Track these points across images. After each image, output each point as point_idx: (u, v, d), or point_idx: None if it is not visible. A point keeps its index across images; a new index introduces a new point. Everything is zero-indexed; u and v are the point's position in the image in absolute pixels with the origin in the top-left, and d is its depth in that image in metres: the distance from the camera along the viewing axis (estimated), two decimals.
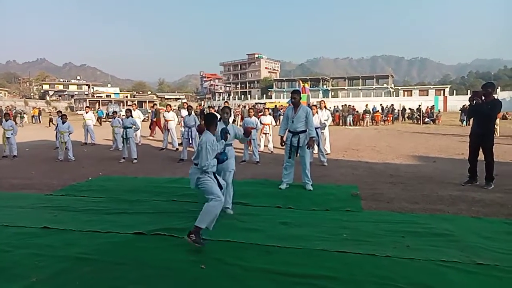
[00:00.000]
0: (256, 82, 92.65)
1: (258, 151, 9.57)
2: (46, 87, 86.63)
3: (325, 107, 10.15)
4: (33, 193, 6.28)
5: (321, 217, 4.67)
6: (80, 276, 3.12)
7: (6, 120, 11.17)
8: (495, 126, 6.30)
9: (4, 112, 20.53)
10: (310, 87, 53.29)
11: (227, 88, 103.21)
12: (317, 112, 9.06)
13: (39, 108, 43.58)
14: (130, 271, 3.22)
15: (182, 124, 10.30)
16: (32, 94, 79.71)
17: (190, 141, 9.68)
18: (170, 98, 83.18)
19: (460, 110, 26.73)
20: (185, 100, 61.39)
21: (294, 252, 3.57)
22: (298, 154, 6.23)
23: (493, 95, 6.24)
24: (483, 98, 6.12)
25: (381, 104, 31.20)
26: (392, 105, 31.80)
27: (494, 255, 3.42)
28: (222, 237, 3.90)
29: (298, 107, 6.19)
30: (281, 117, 28.98)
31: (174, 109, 15.25)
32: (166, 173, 7.96)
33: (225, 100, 49.46)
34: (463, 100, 32.48)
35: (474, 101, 6.23)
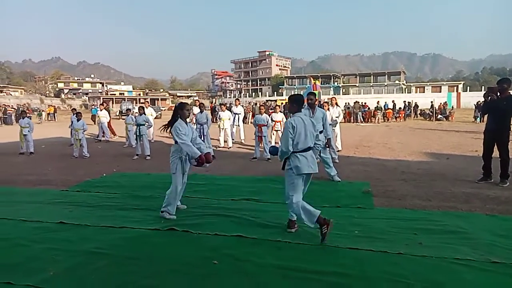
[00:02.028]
0: (267, 79, 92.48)
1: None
2: (61, 85, 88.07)
3: (336, 104, 10.09)
4: (49, 189, 6.42)
5: (332, 214, 4.63)
6: (95, 270, 3.19)
7: (23, 118, 11.42)
8: (511, 122, 6.19)
9: (21, 110, 20.93)
10: (321, 84, 52.89)
11: (238, 86, 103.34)
12: (328, 109, 9.03)
13: (55, 106, 44.38)
14: (143, 266, 3.27)
15: (194, 122, 10.37)
16: (47, 92, 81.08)
17: (202, 138, 9.73)
18: (182, 96, 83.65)
19: (474, 106, 26.23)
20: (196, 98, 61.64)
21: (306, 248, 3.59)
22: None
23: (509, 91, 6.13)
24: (498, 94, 6.02)
25: (393, 101, 30.81)
26: (409, 102, 31.37)
27: (509, 253, 3.37)
28: (234, 233, 3.93)
29: (315, 108, 6.28)
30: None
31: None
32: None
33: (236, 97, 49.54)
34: (477, 97, 31.90)
35: (489, 97, 6.13)
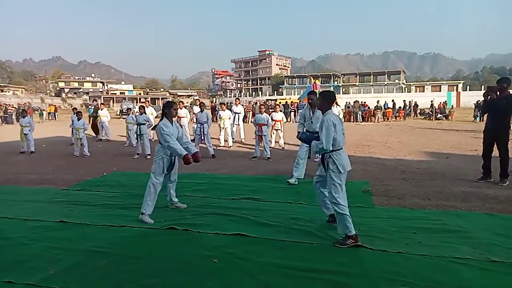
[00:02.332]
0: (267, 78, 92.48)
1: (269, 147, 9.59)
2: (61, 84, 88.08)
3: (336, 103, 10.09)
4: (50, 188, 6.43)
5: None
6: (96, 268, 3.20)
7: (24, 117, 11.43)
8: (510, 121, 6.20)
9: (22, 109, 20.94)
10: (321, 83, 52.84)
11: (238, 85, 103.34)
12: None
13: (55, 105, 44.44)
14: (144, 264, 3.28)
15: (195, 121, 10.38)
16: (48, 91, 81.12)
17: (202, 138, 9.75)
18: (183, 95, 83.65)
19: (474, 105, 26.22)
20: (197, 97, 61.65)
21: (306, 247, 3.60)
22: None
23: (508, 90, 6.14)
24: (498, 93, 6.03)
25: (393, 100, 30.81)
26: (410, 101, 31.41)
27: (509, 253, 3.38)
28: (234, 232, 3.94)
29: (316, 107, 6.23)
30: (292, 113, 28.77)
31: (186, 106, 15.37)
32: (179, 169, 8.04)
33: (237, 96, 49.51)
34: (477, 96, 31.91)
35: (489, 96, 6.14)
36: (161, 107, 4.88)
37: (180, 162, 4.74)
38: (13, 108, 35.43)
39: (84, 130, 10.58)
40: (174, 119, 4.81)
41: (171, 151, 4.47)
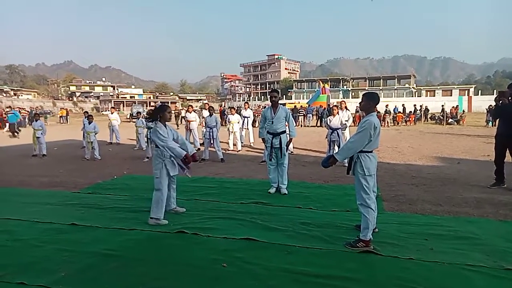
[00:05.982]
0: (276, 83, 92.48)
1: None
2: (73, 88, 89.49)
3: (345, 107, 10.05)
4: (61, 191, 6.50)
5: (341, 218, 4.64)
6: (107, 271, 3.23)
7: (36, 121, 11.61)
8: None
9: (34, 112, 21.19)
10: (330, 87, 52.66)
11: (247, 89, 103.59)
12: (337, 112, 9.00)
13: (67, 108, 45.03)
14: (153, 267, 3.30)
15: (204, 125, 10.43)
16: (60, 95, 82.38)
17: (212, 141, 9.79)
18: (192, 99, 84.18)
19: (486, 110, 25.86)
20: (206, 101, 61.87)
21: (315, 252, 3.58)
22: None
23: None
24: (510, 98, 5.95)
25: (403, 105, 30.53)
26: (420, 105, 31.10)
27: None
28: (243, 236, 3.94)
29: (277, 107, 5.99)
30: (300, 118, 28.67)
31: (196, 110, 15.42)
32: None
33: (246, 101, 49.51)
34: (489, 101, 31.49)
35: (501, 101, 6.06)
36: (154, 110, 4.72)
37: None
38: (26, 112, 35.95)
39: (95, 134, 10.69)
40: (171, 123, 4.75)
41: (170, 151, 4.41)
